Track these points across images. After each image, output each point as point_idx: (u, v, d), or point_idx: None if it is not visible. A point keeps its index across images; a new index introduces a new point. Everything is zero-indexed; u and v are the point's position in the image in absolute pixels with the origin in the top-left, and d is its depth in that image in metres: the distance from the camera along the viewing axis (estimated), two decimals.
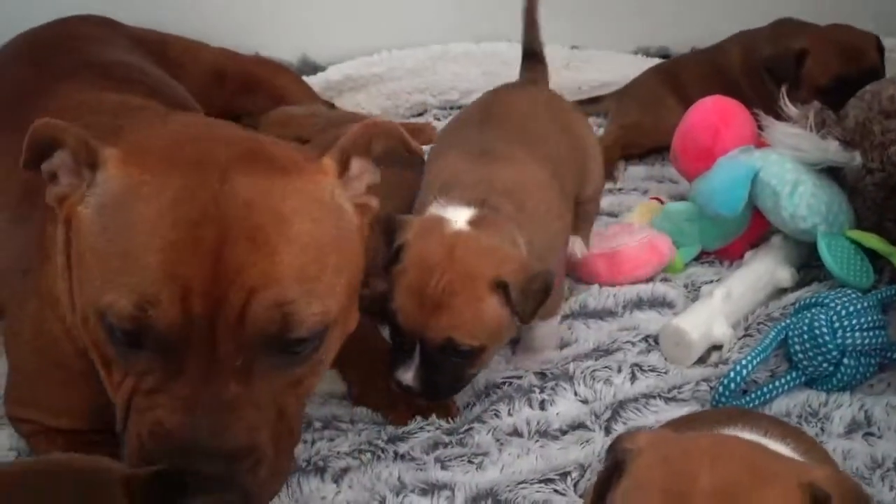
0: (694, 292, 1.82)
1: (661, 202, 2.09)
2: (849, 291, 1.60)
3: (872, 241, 1.75)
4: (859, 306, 1.55)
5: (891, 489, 1.35)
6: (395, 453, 1.47)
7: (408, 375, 1.41)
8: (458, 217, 1.44)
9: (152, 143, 1.21)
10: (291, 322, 1.14)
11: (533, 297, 1.39)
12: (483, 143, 1.60)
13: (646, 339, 1.70)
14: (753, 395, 1.52)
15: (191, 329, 1.12)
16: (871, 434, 1.46)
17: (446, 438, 1.50)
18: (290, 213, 1.15)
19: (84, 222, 1.17)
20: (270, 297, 1.12)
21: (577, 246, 1.83)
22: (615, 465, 0.96)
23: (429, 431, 1.51)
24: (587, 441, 1.50)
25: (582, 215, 1.82)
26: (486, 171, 1.53)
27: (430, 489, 1.40)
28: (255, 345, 1.14)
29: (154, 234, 1.10)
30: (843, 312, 1.53)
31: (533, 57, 1.85)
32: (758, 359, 1.51)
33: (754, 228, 1.91)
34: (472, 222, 1.43)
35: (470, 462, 1.45)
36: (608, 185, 2.22)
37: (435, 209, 1.47)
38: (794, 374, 1.55)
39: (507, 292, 1.37)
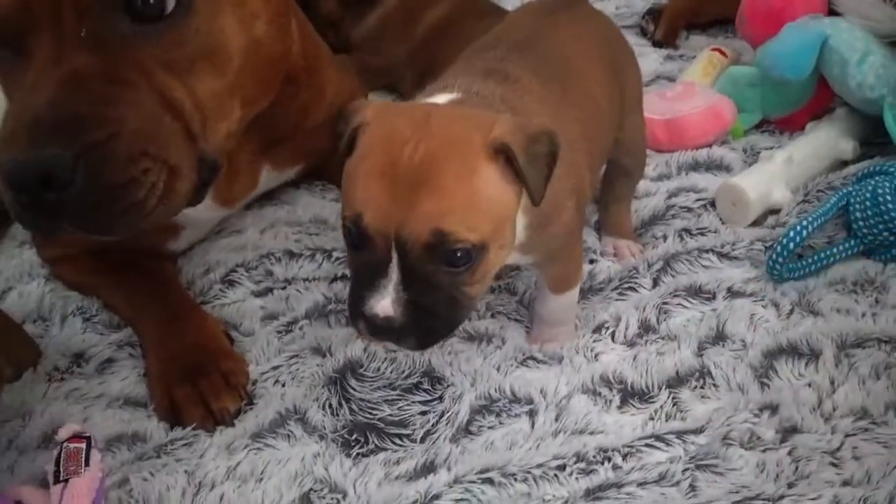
0: (752, 157, 1.78)
1: (724, 55, 2.05)
2: None
3: None
4: None
5: None
6: None
7: (384, 303, 1.01)
8: (437, 101, 1.12)
9: None
10: None
11: (541, 162, 1.01)
12: (498, 64, 1.23)
13: (700, 201, 1.67)
14: (809, 260, 1.48)
15: (31, 7, 1.11)
16: None
17: (493, 284, 1.49)
18: None
19: None
20: None
21: (624, 249, 1.56)
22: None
23: None
24: (633, 290, 1.48)
25: (617, 209, 1.58)
26: (487, 85, 1.17)
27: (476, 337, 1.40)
28: (96, 6, 1.12)
29: None
30: None
31: None
32: (817, 222, 1.46)
33: (817, 100, 1.85)
34: (453, 103, 1.12)
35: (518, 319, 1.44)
36: (668, 51, 2.19)
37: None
38: (852, 243, 1.50)
39: (509, 157, 1.00)
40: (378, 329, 1.03)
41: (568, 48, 1.32)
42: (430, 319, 1.04)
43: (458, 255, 1.00)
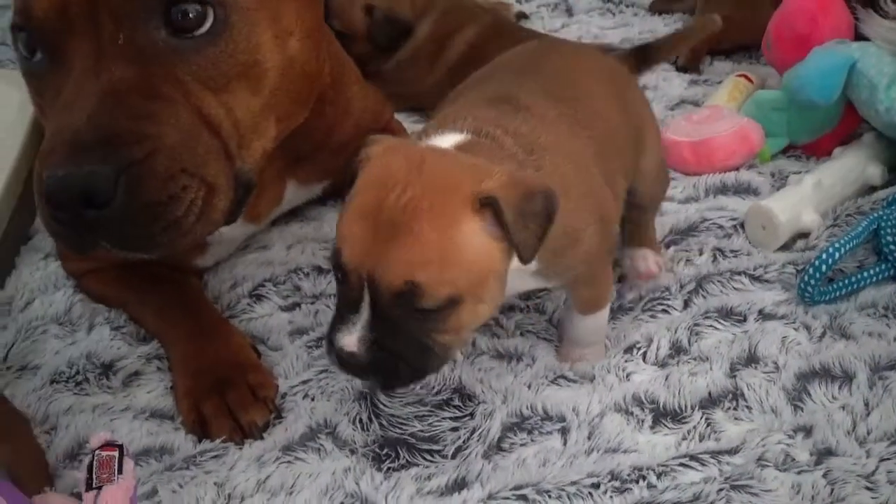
0: (780, 182, 1.77)
1: (750, 80, 2.05)
2: None
3: None
4: None
5: None
6: None
7: (350, 339, 1.00)
8: (443, 142, 1.08)
9: None
10: None
11: (533, 221, 0.98)
12: (509, 91, 1.21)
13: (731, 221, 1.66)
14: (840, 284, 1.47)
15: (68, 11, 1.11)
16: None
17: (522, 304, 1.49)
18: None
19: None
20: None
21: (650, 261, 1.51)
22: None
23: None
24: (664, 311, 1.48)
25: (640, 221, 1.52)
26: (498, 114, 1.15)
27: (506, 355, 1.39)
28: (134, 13, 1.12)
29: None
30: None
31: None
32: (849, 245, 1.46)
33: (844, 125, 1.84)
34: (459, 147, 1.07)
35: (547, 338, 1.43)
36: (692, 76, 2.19)
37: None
38: (883, 267, 1.50)
39: (497, 212, 0.97)
40: (344, 363, 1.03)
41: (574, 70, 1.32)
42: (395, 362, 1.03)
43: (429, 308, 0.99)
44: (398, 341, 1.01)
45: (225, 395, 1.31)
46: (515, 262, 1.03)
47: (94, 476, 1.07)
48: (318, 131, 1.51)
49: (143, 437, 1.30)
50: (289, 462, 1.24)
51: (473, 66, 1.42)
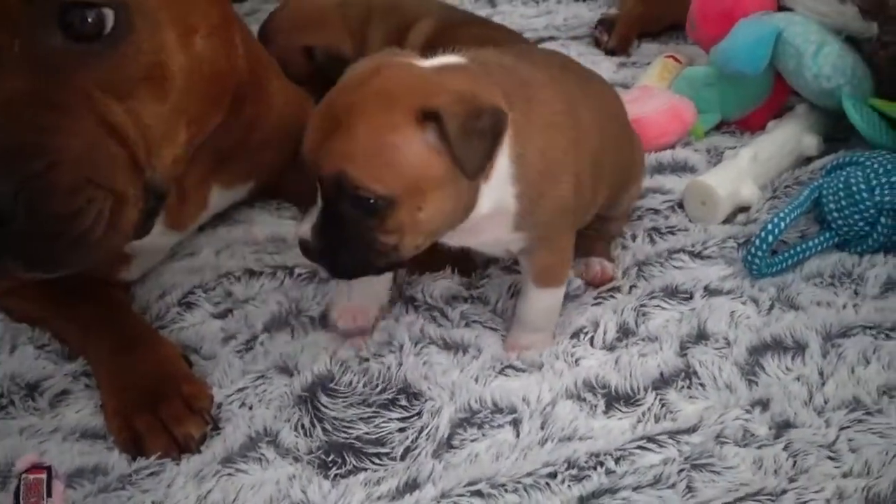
0: (717, 158, 1.75)
1: (678, 61, 2.03)
2: (882, 151, 1.53)
3: (894, 109, 1.67)
4: None
5: None
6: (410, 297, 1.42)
7: (304, 227, 1.09)
8: (433, 60, 1.13)
9: None
10: None
11: (479, 138, 1.02)
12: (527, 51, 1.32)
13: (665, 203, 1.64)
14: (786, 255, 1.45)
15: None
16: None
17: (465, 292, 1.45)
18: None
19: None
20: None
21: (606, 266, 1.48)
22: None
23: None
24: (609, 295, 1.45)
25: (605, 233, 1.53)
26: (507, 58, 1.21)
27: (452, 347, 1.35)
28: (28, 21, 1.04)
29: None
30: (881, 170, 1.46)
31: None
32: (793, 214, 1.43)
33: (775, 98, 1.83)
34: (442, 65, 1.12)
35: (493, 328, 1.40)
36: (620, 59, 2.20)
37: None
38: (827, 235, 1.48)
39: (441, 126, 1.01)
40: (303, 249, 1.11)
41: (584, 78, 1.39)
42: (343, 253, 1.09)
43: (364, 202, 1.04)
44: (344, 232, 1.07)
45: (157, 410, 1.25)
46: (501, 198, 1.12)
47: (21, 501, 1.01)
48: (237, 130, 1.45)
49: (75, 458, 1.22)
50: (229, 474, 1.18)
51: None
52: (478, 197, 1.10)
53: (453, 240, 1.21)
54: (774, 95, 1.83)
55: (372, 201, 1.04)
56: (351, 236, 1.08)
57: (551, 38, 2.30)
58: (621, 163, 1.39)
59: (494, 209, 1.13)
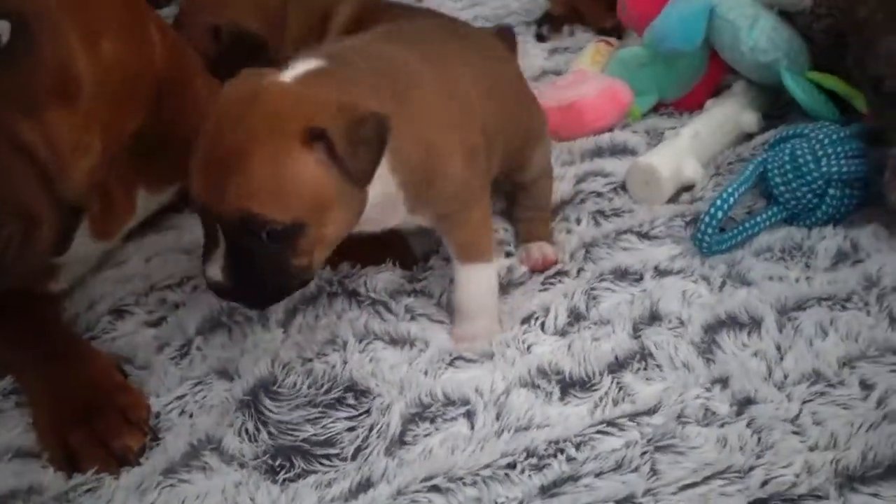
0: (656, 139, 1.72)
1: (611, 45, 2.01)
2: (827, 123, 1.51)
3: (833, 81, 1.66)
4: (841, 134, 1.44)
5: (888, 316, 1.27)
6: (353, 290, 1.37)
7: (213, 269, 1.06)
8: (294, 71, 1.10)
9: None
10: None
11: (365, 145, 1.03)
12: (397, 27, 1.30)
13: (607, 185, 1.61)
14: (735, 231, 1.42)
15: None
16: (860, 261, 1.37)
17: (408, 286, 1.41)
18: None
19: None
20: None
21: (546, 249, 1.45)
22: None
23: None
24: (557, 280, 1.41)
25: (535, 219, 1.50)
26: (369, 41, 1.22)
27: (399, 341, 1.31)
28: None
29: None
30: (826, 141, 1.43)
31: None
32: (740, 189, 1.40)
33: (710, 76, 1.81)
34: (306, 75, 1.09)
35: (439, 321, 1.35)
36: (553, 44, 2.15)
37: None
38: (775, 210, 1.45)
39: (329, 143, 1.01)
40: (217, 291, 1.09)
41: (467, 43, 1.37)
42: (257, 285, 1.07)
43: (273, 233, 1.03)
44: (255, 265, 1.05)
45: (92, 423, 1.19)
46: (385, 189, 1.11)
47: None
48: (160, 130, 1.39)
49: (8, 478, 1.16)
50: (172, 485, 1.12)
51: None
52: (367, 193, 1.09)
53: (357, 229, 1.17)
54: (710, 74, 1.81)
55: (280, 230, 1.02)
56: (263, 267, 1.06)
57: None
58: (518, 123, 1.37)
59: (382, 199, 1.13)
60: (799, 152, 1.43)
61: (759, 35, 1.66)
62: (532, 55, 2.09)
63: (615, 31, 2.10)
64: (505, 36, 1.93)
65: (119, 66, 1.17)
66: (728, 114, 1.69)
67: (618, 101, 1.77)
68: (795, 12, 1.71)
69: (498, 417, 1.17)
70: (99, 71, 1.12)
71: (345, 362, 1.25)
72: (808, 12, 1.68)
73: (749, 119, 1.68)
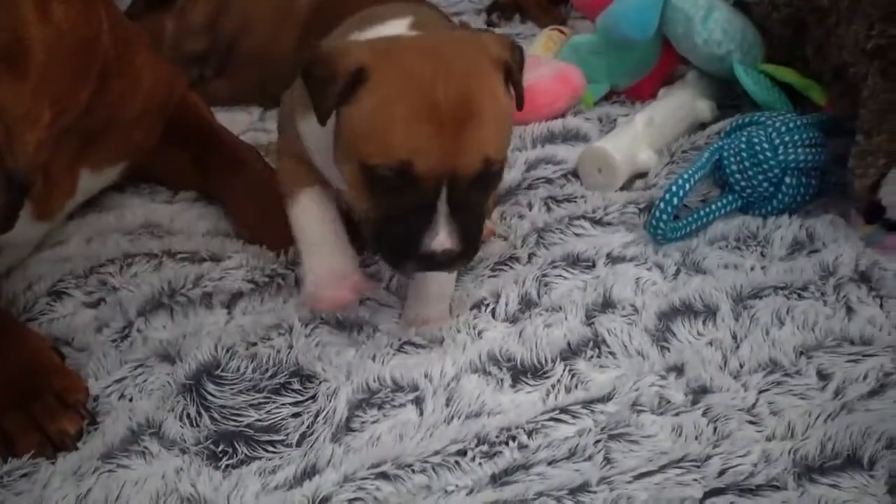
0: (609, 126, 1.71)
1: (563, 33, 1.99)
2: (783, 111, 1.50)
3: (787, 74, 1.65)
4: (799, 123, 1.44)
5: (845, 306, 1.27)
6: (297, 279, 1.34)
7: (440, 238, 1.04)
8: (396, 28, 1.15)
9: None
10: None
11: (520, 71, 1.15)
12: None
13: (558, 172, 1.59)
14: (691, 219, 1.40)
15: None
16: (816, 251, 1.36)
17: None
18: None
19: None
20: None
21: None
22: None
23: None
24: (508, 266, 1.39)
25: None
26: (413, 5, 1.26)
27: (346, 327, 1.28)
28: None
29: None
30: (783, 129, 1.42)
31: None
32: (696, 177, 1.39)
33: (663, 66, 1.80)
34: (416, 26, 1.16)
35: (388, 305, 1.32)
36: (504, 31, 2.17)
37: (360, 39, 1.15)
38: (730, 198, 1.43)
39: (510, 71, 1.11)
40: (434, 263, 1.07)
41: None
42: (472, 241, 1.08)
43: (494, 174, 1.09)
44: (472, 221, 1.09)
45: (28, 406, 1.14)
46: None
47: None
48: (104, 109, 1.35)
49: None
50: (111, 471, 1.08)
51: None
52: None
53: None
54: (662, 63, 1.80)
55: (498, 170, 1.10)
56: (476, 218, 1.10)
57: None
58: None
59: None
60: (756, 140, 1.41)
61: (713, 26, 1.65)
62: None
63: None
64: None
65: (71, 32, 1.13)
66: (682, 102, 1.68)
67: (571, 84, 1.75)
68: (750, 2, 1.70)
69: (448, 403, 1.14)
70: (52, 36, 1.09)
71: (290, 347, 1.22)
72: (767, 2, 1.67)
73: (703, 107, 1.67)
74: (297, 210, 1.24)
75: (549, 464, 1.06)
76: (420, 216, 1.05)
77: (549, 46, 1.92)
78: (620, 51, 1.76)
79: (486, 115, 1.04)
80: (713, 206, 1.42)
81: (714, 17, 1.66)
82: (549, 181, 1.56)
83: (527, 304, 1.30)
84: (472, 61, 1.07)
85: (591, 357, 1.21)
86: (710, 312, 1.25)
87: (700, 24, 1.65)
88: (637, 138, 1.55)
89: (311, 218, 1.24)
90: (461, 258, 1.08)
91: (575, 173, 1.56)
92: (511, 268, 1.37)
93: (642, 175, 1.56)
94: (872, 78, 1.38)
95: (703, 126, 1.67)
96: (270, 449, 1.11)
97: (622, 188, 1.53)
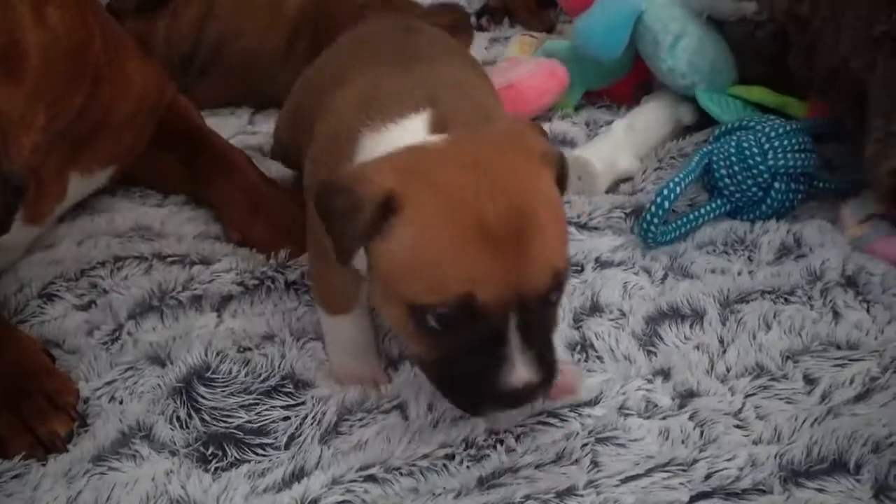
0: (596, 131, 1.72)
1: (535, 38, 2.03)
2: (773, 116, 1.50)
3: (759, 94, 1.65)
4: (788, 128, 1.44)
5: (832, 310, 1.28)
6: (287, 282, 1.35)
7: (520, 371, 0.91)
8: (414, 129, 1.00)
9: None
10: None
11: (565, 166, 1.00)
12: (412, 50, 1.20)
13: None
14: (680, 223, 1.41)
15: None
16: (803, 255, 1.37)
17: None
18: None
19: None
20: None
21: None
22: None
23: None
24: None
25: None
26: (425, 72, 1.12)
27: None
28: None
29: None
30: (773, 134, 1.43)
31: None
32: (686, 180, 1.40)
33: (639, 70, 1.79)
34: (436, 125, 1.01)
35: None
36: (493, 34, 2.21)
37: (372, 141, 1.02)
38: (719, 202, 1.44)
39: (558, 168, 0.97)
40: (518, 400, 0.95)
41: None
42: (551, 365, 0.95)
43: (562, 285, 0.95)
44: (546, 340, 0.95)
45: (19, 408, 1.15)
46: None
47: None
48: (95, 113, 1.36)
49: None
50: (101, 473, 1.09)
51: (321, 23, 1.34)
52: None
53: None
54: (638, 68, 1.79)
55: (564, 280, 0.95)
56: (549, 333, 0.97)
57: None
58: None
59: None
60: (745, 144, 1.42)
61: (680, 55, 1.65)
62: (473, 48, 2.08)
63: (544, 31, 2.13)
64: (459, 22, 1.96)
65: (66, 36, 1.14)
66: (664, 105, 1.69)
67: (557, 77, 1.77)
68: (729, 21, 1.70)
69: (430, 409, 1.14)
70: (48, 40, 1.10)
71: (283, 356, 1.22)
72: (748, 21, 1.67)
73: (685, 110, 1.68)
74: (331, 323, 1.20)
75: (537, 467, 1.06)
76: (489, 351, 0.91)
77: (523, 51, 1.95)
78: (593, 60, 1.76)
79: (544, 222, 0.90)
80: (701, 210, 1.42)
81: (682, 46, 1.64)
82: None
83: None
84: (516, 163, 0.93)
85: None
86: (698, 316, 1.26)
87: (667, 51, 1.65)
88: (618, 145, 1.56)
89: (344, 338, 1.19)
90: (542, 386, 0.94)
91: None
92: None
93: (626, 180, 1.57)
94: (884, 62, 1.37)
95: (688, 130, 1.68)
96: (260, 451, 1.11)
97: (607, 192, 1.55)
